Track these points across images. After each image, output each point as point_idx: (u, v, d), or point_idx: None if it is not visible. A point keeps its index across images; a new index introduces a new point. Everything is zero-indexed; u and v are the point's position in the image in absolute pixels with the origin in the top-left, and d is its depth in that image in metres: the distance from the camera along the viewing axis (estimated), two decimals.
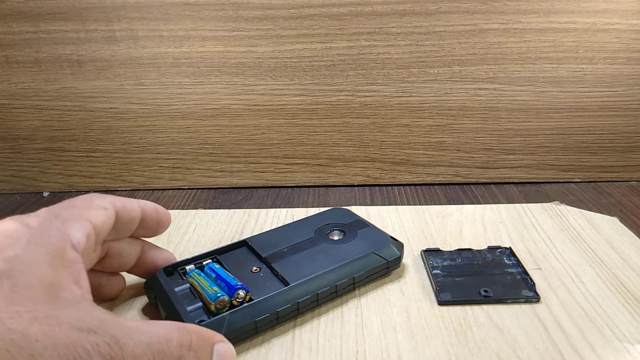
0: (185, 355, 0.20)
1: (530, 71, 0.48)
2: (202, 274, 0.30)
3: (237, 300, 0.27)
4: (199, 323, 0.26)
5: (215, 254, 0.33)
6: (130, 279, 0.33)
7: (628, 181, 0.51)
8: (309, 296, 0.29)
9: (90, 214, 0.24)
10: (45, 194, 0.53)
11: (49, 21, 0.47)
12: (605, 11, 0.46)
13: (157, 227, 0.30)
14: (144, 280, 0.32)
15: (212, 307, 0.27)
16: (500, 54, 0.47)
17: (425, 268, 0.34)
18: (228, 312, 0.27)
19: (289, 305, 0.28)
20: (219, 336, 0.23)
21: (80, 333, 0.18)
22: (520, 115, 0.50)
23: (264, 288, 0.29)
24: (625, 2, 0.45)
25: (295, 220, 0.38)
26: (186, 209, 0.46)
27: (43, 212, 0.23)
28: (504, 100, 0.49)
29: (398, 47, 0.47)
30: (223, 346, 0.22)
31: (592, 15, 0.46)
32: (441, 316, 0.29)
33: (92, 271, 0.28)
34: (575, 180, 0.52)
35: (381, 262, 0.32)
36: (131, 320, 0.20)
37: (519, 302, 0.30)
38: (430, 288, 0.32)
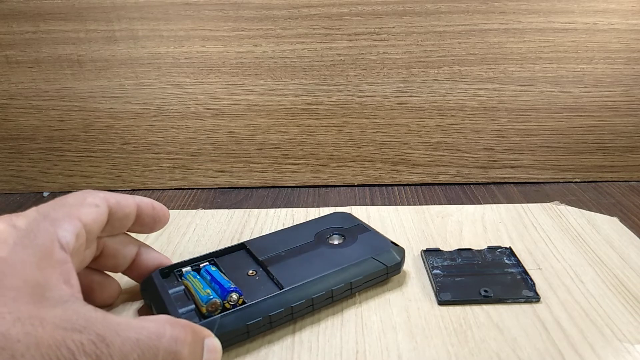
0: (180, 350, 0.20)
1: (530, 71, 0.48)
2: (198, 276, 0.30)
3: (230, 303, 0.27)
4: None
5: (213, 257, 0.32)
6: (128, 282, 0.33)
7: (628, 181, 0.51)
8: (303, 301, 0.28)
9: (80, 212, 0.24)
10: (46, 194, 0.53)
11: (49, 21, 0.47)
12: (605, 11, 0.46)
13: (154, 223, 0.30)
14: (139, 283, 0.31)
15: (204, 310, 0.27)
16: (500, 54, 0.47)
17: (425, 268, 0.34)
18: (219, 315, 0.26)
19: (282, 309, 0.27)
20: (207, 331, 0.23)
21: (64, 332, 0.17)
22: (520, 115, 0.50)
23: (259, 292, 0.29)
24: (625, 2, 0.45)
25: (296, 223, 0.37)
26: (186, 209, 0.46)
27: (32, 212, 0.23)
28: (504, 100, 0.49)
29: (398, 47, 0.47)
30: (212, 341, 0.23)
31: (592, 15, 0.46)
32: (441, 316, 0.29)
33: (86, 269, 0.28)
34: (575, 180, 0.52)
35: (380, 268, 0.31)
36: (122, 317, 0.20)
37: (519, 302, 0.30)
38: (430, 288, 0.32)
